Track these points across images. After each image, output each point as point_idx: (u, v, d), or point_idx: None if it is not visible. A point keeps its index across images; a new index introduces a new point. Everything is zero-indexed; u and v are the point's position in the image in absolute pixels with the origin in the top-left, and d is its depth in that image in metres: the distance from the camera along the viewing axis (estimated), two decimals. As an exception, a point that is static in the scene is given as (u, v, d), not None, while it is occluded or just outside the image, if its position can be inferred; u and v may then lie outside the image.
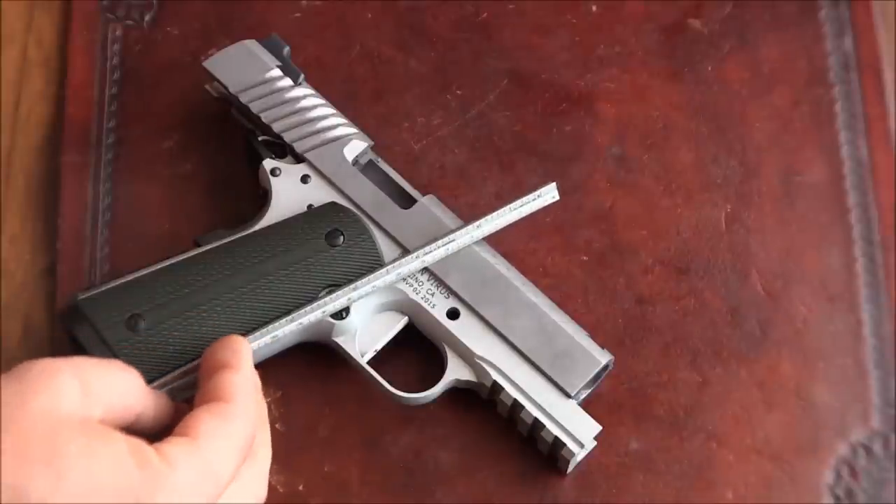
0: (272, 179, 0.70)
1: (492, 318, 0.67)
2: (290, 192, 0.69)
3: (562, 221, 0.73)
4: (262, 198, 0.70)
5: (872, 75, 0.78)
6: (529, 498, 0.68)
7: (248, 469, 0.58)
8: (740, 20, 0.79)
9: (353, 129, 0.71)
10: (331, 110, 0.71)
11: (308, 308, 0.66)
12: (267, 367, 0.66)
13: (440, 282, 0.68)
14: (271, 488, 0.63)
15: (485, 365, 0.67)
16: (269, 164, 0.70)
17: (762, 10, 0.79)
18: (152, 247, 0.71)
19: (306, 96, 0.71)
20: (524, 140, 0.76)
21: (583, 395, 0.67)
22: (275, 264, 0.67)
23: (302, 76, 0.72)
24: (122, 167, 0.74)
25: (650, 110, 0.77)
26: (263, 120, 0.71)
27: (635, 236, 0.73)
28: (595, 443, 0.66)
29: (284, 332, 0.65)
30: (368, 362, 0.67)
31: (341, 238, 0.68)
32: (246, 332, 0.64)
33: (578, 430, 0.66)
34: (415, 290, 0.68)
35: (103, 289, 0.65)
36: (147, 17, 0.78)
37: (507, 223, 0.69)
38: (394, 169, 0.71)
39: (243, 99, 0.71)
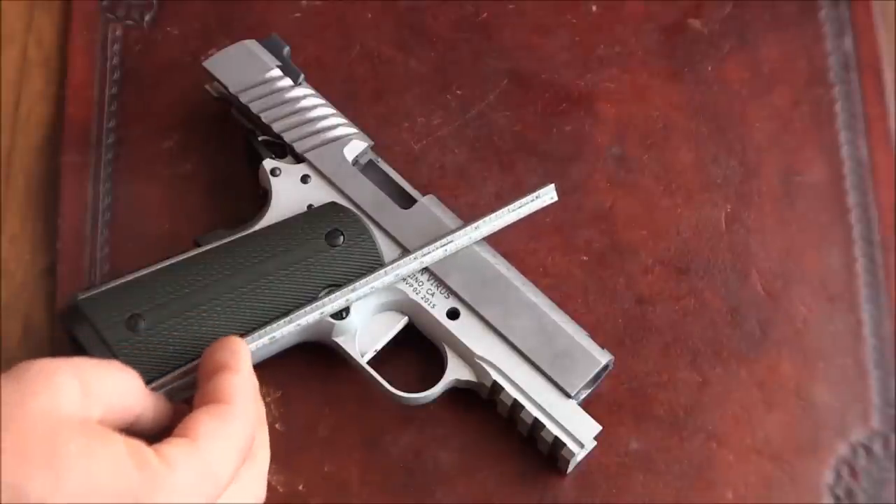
0: (272, 179, 0.70)
1: (492, 318, 0.67)
2: (290, 192, 0.69)
3: (562, 221, 0.73)
4: (262, 198, 0.70)
5: (872, 75, 0.78)
6: (529, 498, 0.68)
7: (247, 470, 0.58)
8: (740, 20, 0.79)
9: (353, 129, 0.71)
10: (331, 110, 0.71)
11: (307, 309, 0.65)
12: (267, 367, 0.66)
13: (440, 282, 0.68)
14: (271, 488, 0.63)
15: (485, 365, 0.67)
16: (269, 164, 0.70)
17: (762, 10, 0.79)
18: (152, 247, 0.71)
19: (306, 96, 0.71)
20: (524, 140, 0.76)
21: (583, 395, 0.67)
22: (275, 264, 0.66)
23: (302, 76, 0.72)
24: (122, 167, 0.74)
25: (650, 110, 0.77)
26: (263, 120, 0.71)
27: (635, 236, 0.73)
28: (595, 443, 0.66)
29: (283, 332, 0.65)
30: (368, 362, 0.67)
31: (341, 238, 0.68)
32: (246, 332, 0.64)
33: (578, 430, 0.66)
34: (415, 290, 0.68)
35: (103, 289, 0.65)
36: (147, 17, 0.78)
37: (506, 224, 0.69)
38: (394, 169, 0.71)
39: (243, 99, 0.71)
